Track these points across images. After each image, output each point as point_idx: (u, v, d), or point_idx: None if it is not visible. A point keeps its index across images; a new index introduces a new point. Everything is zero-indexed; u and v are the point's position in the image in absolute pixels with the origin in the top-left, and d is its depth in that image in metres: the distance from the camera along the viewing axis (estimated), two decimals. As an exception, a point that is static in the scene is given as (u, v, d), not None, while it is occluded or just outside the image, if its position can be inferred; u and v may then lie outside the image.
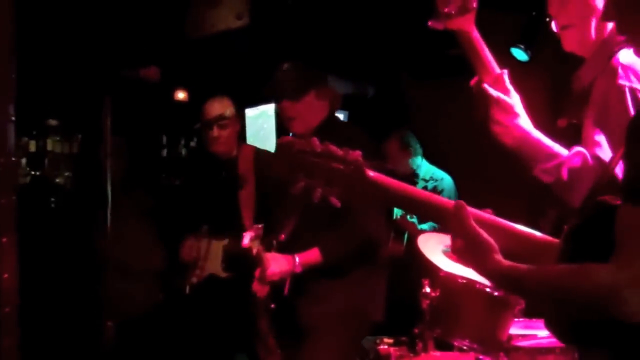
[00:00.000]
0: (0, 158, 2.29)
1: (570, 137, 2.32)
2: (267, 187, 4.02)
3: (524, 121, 2.33)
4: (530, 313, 2.64)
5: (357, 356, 3.63)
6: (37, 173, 7.30)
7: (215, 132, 4.46)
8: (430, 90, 6.62)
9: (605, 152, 2.15)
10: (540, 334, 2.79)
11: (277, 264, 3.43)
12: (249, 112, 6.99)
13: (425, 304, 2.66)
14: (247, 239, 3.53)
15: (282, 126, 6.44)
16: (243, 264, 3.98)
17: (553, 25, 2.44)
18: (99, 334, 3.38)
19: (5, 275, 2.31)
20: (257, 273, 3.50)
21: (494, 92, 2.33)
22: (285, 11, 5.81)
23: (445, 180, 5.88)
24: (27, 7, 3.40)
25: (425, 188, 5.57)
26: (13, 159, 2.37)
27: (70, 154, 7.45)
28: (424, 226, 5.49)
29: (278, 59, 3.72)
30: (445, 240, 1.87)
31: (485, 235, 1.70)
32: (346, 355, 3.52)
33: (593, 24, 2.32)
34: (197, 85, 6.76)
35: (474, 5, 2.34)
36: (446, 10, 2.32)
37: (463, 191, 5.76)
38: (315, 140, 1.83)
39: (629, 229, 1.42)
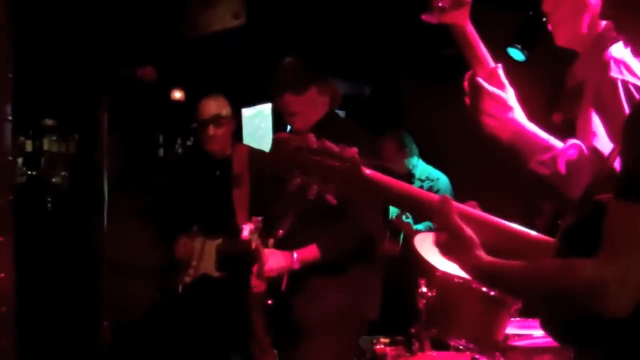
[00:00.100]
0: (-3, 158, 2.29)
1: (566, 132, 2.32)
2: (262, 185, 4.02)
3: (519, 115, 2.33)
4: (526, 313, 2.65)
5: (354, 355, 3.63)
6: (34, 173, 7.29)
7: (211, 130, 4.47)
8: (426, 90, 6.63)
9: (602, 143, 2.15)
10: (536, 333, 2.79)
11: (275, 260, 3.43)
12: (246, 112, 6.98)
13: (421, 303, 2.66)
14: (246, 231, 3.49)
15: (279, 125, 6.45)
16: (237, 264, 3.98)
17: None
18: (95, 334, 3.37)
19: (2, 275, 2.31)
20: (254, 269, 3.49)
21: (487, 86, 2.33)
22: (281, 11, 5.82)
23: (441, 180, 5.88)
24: (24, 6, 3.40)
25: (421, 188, 5.56)
26: (9, 158, 2.37)
27: (66, 153, 7.44)
28: (420, 226, 5.49)
29: (274, 59, 3.73)
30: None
31: (468, 230, 1.70)
32: (343, 354, 3.52)
33: (586, 19, 2.33)
34: (193, 85, 6.75)
35: None
36: (440, 4, 2.32)
37: (459, 191, 5.76)
38: (312, 137, 1.83)
39: (617, 225, 1.43)
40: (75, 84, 5.96)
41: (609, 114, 2.14)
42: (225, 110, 4.52)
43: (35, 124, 7.29)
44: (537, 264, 1.57)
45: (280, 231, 3.47)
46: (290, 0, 5.80)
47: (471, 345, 2.56)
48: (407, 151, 5.96)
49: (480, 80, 2.33)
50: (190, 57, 6.40)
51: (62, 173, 7.38)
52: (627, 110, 2.08)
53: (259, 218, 3.54)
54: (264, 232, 3.53)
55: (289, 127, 3.89)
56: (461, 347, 2.62)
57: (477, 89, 2.33)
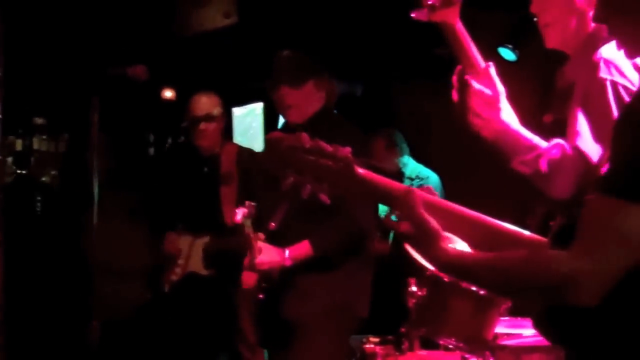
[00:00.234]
0: (-14, 157, 2.29)
1: (556, 133, 2.33)
2: (252, 183, 4.01)
3: (506, 114, 2.33)
4: (515, 312, 2.65)
5: (346, 353, 3.63)
6: (23, 172, 7.26)
7: (202, 125, 4.50)
8: (417, 90, 6.62)
9: (586, 143, 2.15)
10: (525, 332, 2.80)
11: (267, 254, 3.42)
12: (237, 111, 6.98)
13: (411, 302, 2.66)
14: (239, 215, 3.45)
15: (270, 125, 6.44)
16: (226, 260, 3.97)
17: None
18: (85, 333, 3.37)
19: (-9, 274, 2.30)
20: (246, 260, 3.47)
21: (475, 84, 2.32)
22: (273, 10, 5.81)
23: (431, 178, 5.89)
24: (14, 6, 3.39)
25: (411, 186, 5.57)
26: (-1, 157, 2.36)
27: (56, 152, 7.41)
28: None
29: (266, 58, 3.72)
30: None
31: (432, 222, 1.70)
32: (335, 352, 3.51)
33: (574, 21, 2.33)
34: (184, 84, 6.74)
35: None
36: (430, 2, 2.32)
37: (450, 189, 5.76)
38: (305, 136, 1.83)
39: (593, 218, 1.44)
40: (66, 83, 5.94)
41: (595, 114, 2.14)
42: (217, 110, 4.56)
43: (25, 122, 7.25)
44: (505, 255, 1.58)
45: (272, 224, 3.43)
46: (281, -1, 5.80)
47: (461, 345, 2.56)
48: (397, 150, 5.97)
49: (467, 78, 2.33)
50: (181, 56, 6.39)
51: (52, 172, 7.34)
52: (614, 110, 2.09)
53: (253, 203, 3.49)
54: (255, 228, 3.50)
55: (280, 124, 3.88)
56: (451, 346, 2.61)
57: (464, 87, 2.33)
